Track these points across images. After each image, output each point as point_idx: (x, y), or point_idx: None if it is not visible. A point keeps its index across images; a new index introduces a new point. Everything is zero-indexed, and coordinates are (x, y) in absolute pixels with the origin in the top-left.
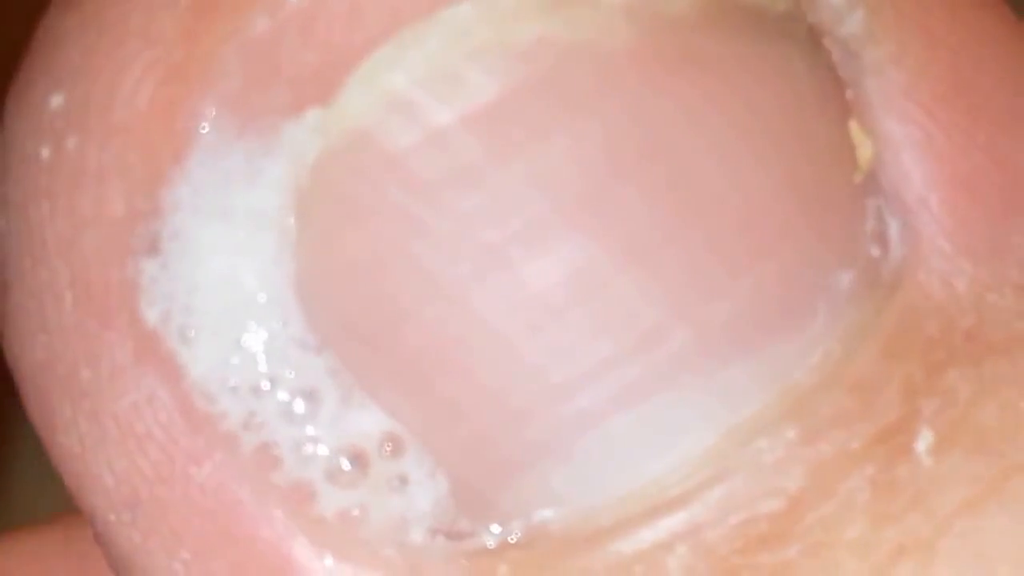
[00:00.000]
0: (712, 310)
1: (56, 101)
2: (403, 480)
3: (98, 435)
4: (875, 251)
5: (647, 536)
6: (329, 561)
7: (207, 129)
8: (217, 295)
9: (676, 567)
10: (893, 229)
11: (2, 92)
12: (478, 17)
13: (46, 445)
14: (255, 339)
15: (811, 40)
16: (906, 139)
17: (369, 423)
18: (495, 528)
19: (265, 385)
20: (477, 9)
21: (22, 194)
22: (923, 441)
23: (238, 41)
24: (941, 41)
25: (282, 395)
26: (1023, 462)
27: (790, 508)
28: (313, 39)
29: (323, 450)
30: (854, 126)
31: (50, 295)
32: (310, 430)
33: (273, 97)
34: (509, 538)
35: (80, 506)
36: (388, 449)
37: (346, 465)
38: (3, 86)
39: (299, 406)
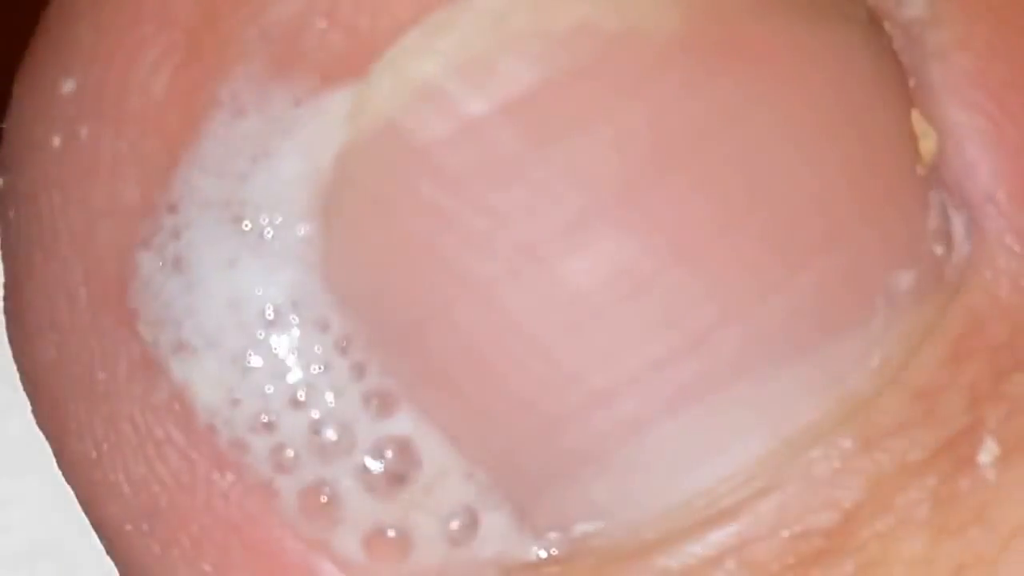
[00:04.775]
0: (766, 309)
1: (68, 86)
2: (433, 495)
3: (114, 440)
4: (938, 249)
5: (695, 551)
6: None
7: (225, 115)
8: (232, 296)
9: None
10: (957, 226)
11: (8, 76)
12: (514, 2)
13: (55, 452)
14: (277, 345)
15: (871, 23)
16: (971, 129)
17: (403, 432)
18: (533, 542)
19: (292, 393)
20: None
21: (32, 184)
22: (987, 453)
23: (260, 23)
24: (1010, 23)
25: (312, 405)
26: None
27: (845, 522)
28: (339, 22)
29: (355, 461)
30: (916, 115)
31: (62, 291)
32: (344, 444)
33: (295, 83)
34: (549, 552)
35: (91, 517)
36: (419, 460)
37: (377, 478)
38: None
39: (330, 423)
